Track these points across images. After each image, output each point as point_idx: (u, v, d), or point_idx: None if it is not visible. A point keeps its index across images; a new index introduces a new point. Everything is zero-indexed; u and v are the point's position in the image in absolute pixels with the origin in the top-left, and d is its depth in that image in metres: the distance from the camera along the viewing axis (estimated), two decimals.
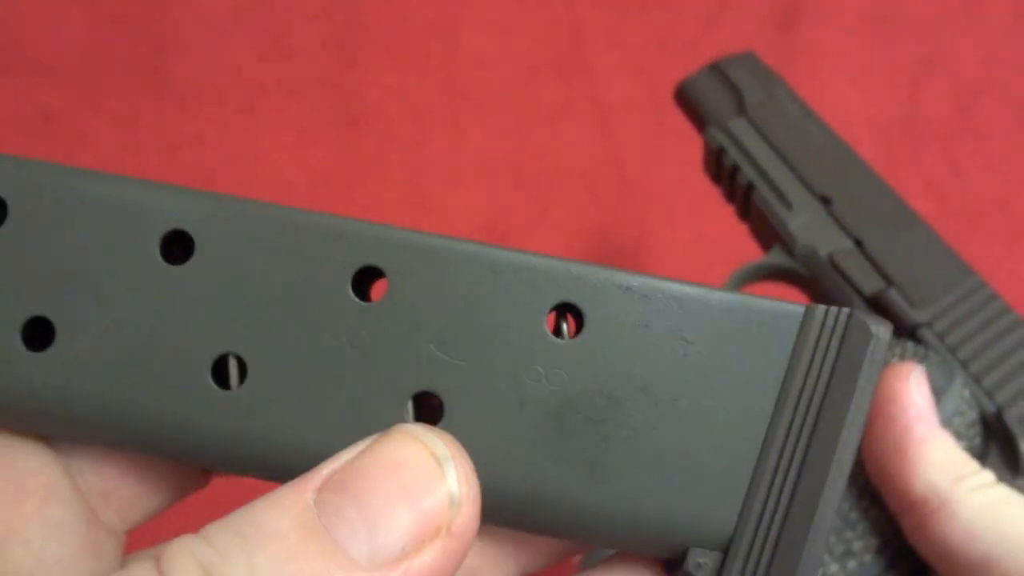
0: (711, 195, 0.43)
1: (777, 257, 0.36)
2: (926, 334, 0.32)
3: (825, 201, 0.36)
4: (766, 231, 0.37)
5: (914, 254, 0.34)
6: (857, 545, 0.28)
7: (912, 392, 0.27)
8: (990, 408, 0.30)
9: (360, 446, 0.16)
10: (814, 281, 0.35)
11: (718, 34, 0.68)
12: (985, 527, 0.25)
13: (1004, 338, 0.32)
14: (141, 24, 0.63)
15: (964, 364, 0.31)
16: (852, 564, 0.27)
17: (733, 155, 0.38)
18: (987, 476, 0.26)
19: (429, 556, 0.15)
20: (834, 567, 0.27)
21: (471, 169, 0.62)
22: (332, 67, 0.65)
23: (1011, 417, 0.30)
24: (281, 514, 0.15)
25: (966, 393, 0.30)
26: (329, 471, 0.16)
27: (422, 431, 0.16)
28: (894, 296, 0.33)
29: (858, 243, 0.35)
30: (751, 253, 0.41)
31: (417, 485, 0.15)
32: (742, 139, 0.38)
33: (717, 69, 0.41)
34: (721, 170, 0.39)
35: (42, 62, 0.61)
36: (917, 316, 0.32)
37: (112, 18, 0.63)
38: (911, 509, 0.26)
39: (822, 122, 0.39)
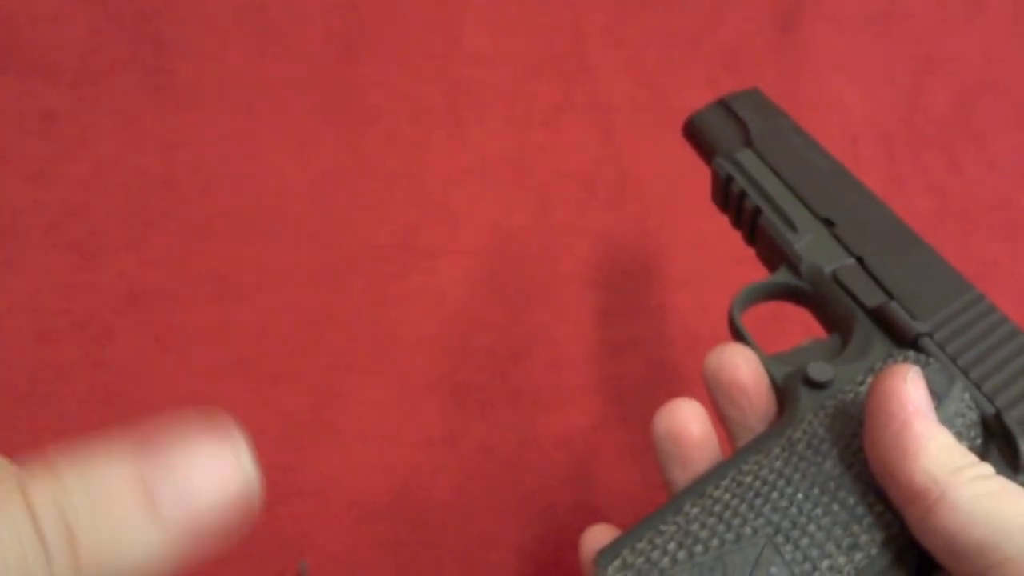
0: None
1: (783, 276, 0.37)
2: (927, 344, 0.32)
3: (828, 223, 0.37)
4: (772, 253, 0.38)
5: (914, 269, 0.35)
6: (864, 539, 0.28)
7: (909, 390, 0.28)
8: (990, 411, 0.30)
9: (181, 435, 0.18)
10: (819, 297, 0.36)
11: (718, 34, 0.68)
12: (984, 514, 0.25)
13: (1003, 346, 0.32)
14: (141, 24, 0.63)
15: (964, 371, 0.31)
16: (859, 556, 0.28)
17: (740, 183, 0.39)
18: (986, 468, 0.27)
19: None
20: (841, 559, 0.28)
21: (472, 168, 0.62)
22: (333, 67, 0.64)
23: (1011, 418, 0.30)
24: (118, 480, 0.17)
25: (966, 396, 0.31)
26: (151, 451, 0.18)
27: (233, 451, 0.19)
28: (895, 308, 0.33)
29: (860, 260, 0.36)
30: (752, 252, 0.41)
31: (227, 498, 0.18)
32: (748, 168, 0.39)
33: (724, 104, 0.42)
34: (729, 198, 0.40)
35: (42, 62, 0.61)
36: (918, 327, 0.33)
37: (112, 18, 0.63)
38: (914, 501, 0.27)
39: (824, 150, 0.40)
